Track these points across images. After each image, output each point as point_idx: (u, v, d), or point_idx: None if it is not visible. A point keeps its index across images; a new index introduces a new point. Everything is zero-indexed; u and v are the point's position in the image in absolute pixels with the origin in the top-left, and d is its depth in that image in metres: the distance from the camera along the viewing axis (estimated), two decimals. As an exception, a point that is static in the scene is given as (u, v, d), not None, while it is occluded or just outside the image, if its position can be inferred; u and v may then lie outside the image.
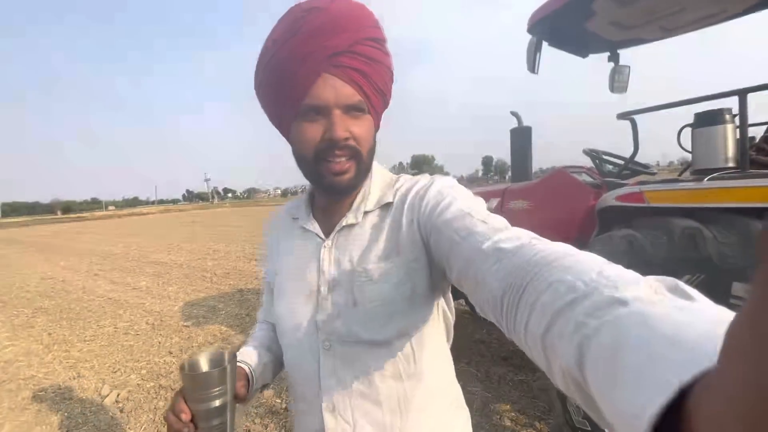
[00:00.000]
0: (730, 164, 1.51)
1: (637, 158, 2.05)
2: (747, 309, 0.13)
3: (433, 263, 0.61)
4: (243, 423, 2.42)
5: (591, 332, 0.25)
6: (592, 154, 2.41)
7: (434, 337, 0.67)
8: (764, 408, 0.11)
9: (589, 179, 2.40)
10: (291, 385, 0.72)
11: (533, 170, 2.92)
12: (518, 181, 2.76)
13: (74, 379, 3.22)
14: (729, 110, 1.52)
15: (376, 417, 0.62)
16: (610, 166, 2.38)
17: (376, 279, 0.61)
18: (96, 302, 5.58)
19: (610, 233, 1.60)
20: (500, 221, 0.50)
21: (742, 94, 1.37)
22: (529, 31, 2.30)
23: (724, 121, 1.51)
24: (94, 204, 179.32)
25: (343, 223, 0.66)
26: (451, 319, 0.72)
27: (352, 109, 0.59)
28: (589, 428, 1.68)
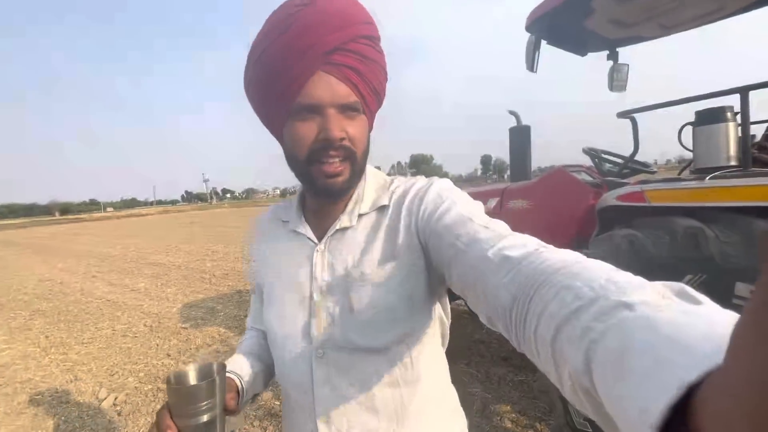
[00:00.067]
0: (732, 163, 1.50)
1: (636, 157, 2.04)
2: (751, 309, 0.13)
3: (431, 267, 0.59)
4: (242, 425, 2.40)
5: (598, 336, 0.25)
6: (591, 153, 2.39)
7: (431, 342, 0.65)
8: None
9: (588, 178, 2.38)
10: (283, 393, 0.70)
11: (532, 169, 2.90)
12: (517, 181, 2.75)
13: (71, 382, 3.20)
14: (730, 108, 1.51)
15: (373, 425, 0.60)
16: (610, 165, 2.37)
17: (374, 284, 0.59)
18: (94, 304, 5.55)
19: (611, 233, 1.58)
20: (502, 226, 0.49)
21: (743, 91, 1.36)
22: (528, 29, 2.29)
23: (725, 119, 1.50)
24: (93, 205, 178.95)
25: (337, 227, 0.64)
26: (447, 322, 0.70)
27: (347, 109, 0.57)
28: (590, 430, 1.66)
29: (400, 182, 0.66)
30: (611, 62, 2.67)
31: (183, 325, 4.30)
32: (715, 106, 1.53)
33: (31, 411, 2.80)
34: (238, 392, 0.64)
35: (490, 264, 0.42)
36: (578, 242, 2.05)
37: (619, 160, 2.27)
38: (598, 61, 2.70)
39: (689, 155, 1.80)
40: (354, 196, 0.66)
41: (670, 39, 2.50)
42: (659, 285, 0.27)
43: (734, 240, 1.26)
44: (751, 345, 0.12)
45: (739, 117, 1.45)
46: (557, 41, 2.47)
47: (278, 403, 2.61)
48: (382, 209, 0.64)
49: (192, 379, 0.58)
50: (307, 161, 0.58)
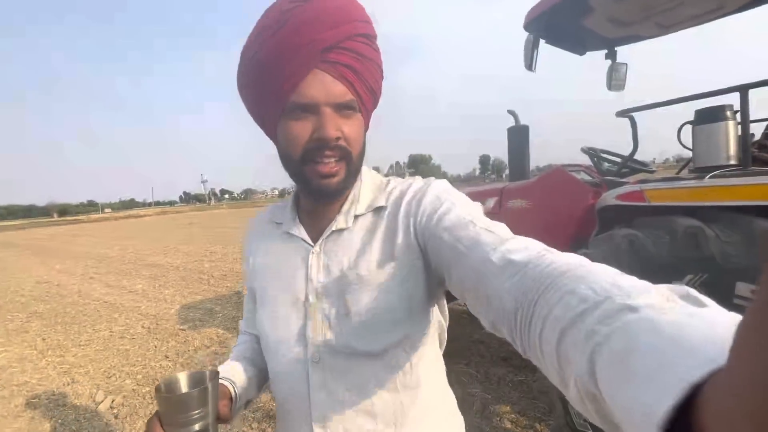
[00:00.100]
0: (732, 162, 1.49)
1: (635, 156, 2.03)
2: (754, 309, 0.13)
3: (429, 269, 0.58)
4: (240, 427, 2.38)
5: (602, 339, 0.25)
6: (590, 152, 2.38)
7: (429, 345, 0.64)
8: None
9: (587, 178, 2.37)
10: (277, 398, 0.68)
11: (530, 169, 2.89)
12: (516, 180, 2.74)
13: (68, 384, 3.18)
14: (730, 107, 1.50)
15: (371, 430, 0.59)
16: (609, 165, 2.36)
17: (372, 286, 0.58)
18: (91, 306, 5.52)
19: (610, 232, 1.57)
20: (503, 229, 0.48)
21: (743, 90, 1.35)
22: (526, 28, 2.28)
23: (725, 118, 1.49)
24: (91, 206, 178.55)
25: (333, 228, 0.63)
26: (445, 324, 0.69)
27: (343, 108, 0.56)
28: (590, 431, 1.65)
29: (397, 183, 0.65)
30: (609, 61, 2.66)
31: (181, 327, 4.28)
32: (715, 104, 1.52)
33: (28, 414, 2.78)
34: (231, 399, 0.63)
35: (493, 267, 0.41)
36: (577, 242, 2.04)
37: (618, 160, 2.26)
38: (596, 61, 2.69)
39: (687, 154, 1.79)
40: (350, 197, 0.64)
41: (669, 38, 2.49)
42: (664, 288, 0.27)
43: (735, 239, 1.25)
44: (754, 345, 0.12)
45: (738, 116, 1.44)
46: (555, 40, 2.46)
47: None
48: (378, 210, 0.63)
49: (183, 387, 0.57)
50: (301, 161, 0.57)
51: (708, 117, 1.52)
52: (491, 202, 2.64)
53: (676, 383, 0.18)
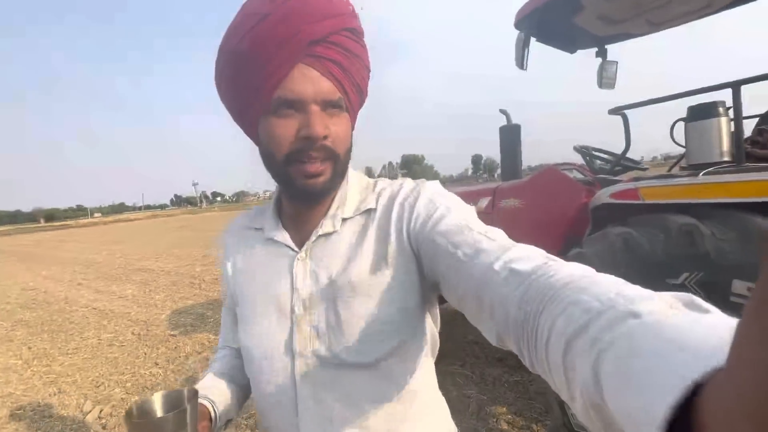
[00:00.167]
0: (725, 158, 1.49)
1: (617, 152, 2.02)
2: (752, 306, 0.13)
3: (422, 275, 0.56)
4: (232, 435, 2.33)
5: (606, 346, 0.25)
6: (582, 150, 2.38)
7: (422, 354, 0.61)
8: None
9: (580, 176, 2.37)
10: (262, 415, 0.64)
11: (522, 168, 2.89)
12: (508, 179, 2.73)
13: (55, 395, 3.09)
14: (722, 103, 1.50)
15: None
16: (601, 163, 2.36)
17: (365, 293, 0.55)
18: (79, 313, 5.40)
19: (604, 231, 1.56)
20: (502, 235, 0.47)
21: (735, 86, 1.35)
22: (517, 26, 2.27)
23: (717, 114, 1.48)
24: (79, 211, 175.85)
25: (319, 232, 0.60)
26: (436, 331, 0.66)
27: (330, 106, 0.53)
28: None
29: (385, 184, 0.62)
30: (600, 59, 2.66)
31: (172, 333, 4.20)
32: (707, 101, 1.52)
33: (12, 426, 2.70)
34: (210, 420, 0.59)
35: (496, 277, 0.40)
36: (571, 241, 2.03)
37: (611, 158, 2.25)
38: (587, 59, 2.69)
39: (676, 153, 1.79)
40: (336, 200, 0.61)
41: (658, 36, 2.50)
42: (668, 295, 0.27)
43: (730, 237, 1.24)
44: (753, 343, 0.12)
45: (731, 112, 1.43)
46: (546, 38, 2.45)
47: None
48: (367, 213, 0.60)
49: (159, 410, 0.52)
50: (285, 161, 0.53)
51: (700, 114, 1.52)
52: (484, 202, 2.63)
53: (677, 382, 0.18)
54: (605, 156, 2.34)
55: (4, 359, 3.95)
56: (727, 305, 1.26)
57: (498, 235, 0.47)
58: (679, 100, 1.59)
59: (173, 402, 0.53)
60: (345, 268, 0.57)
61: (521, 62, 2.22)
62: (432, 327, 0.65)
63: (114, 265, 9.61)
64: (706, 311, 0.24)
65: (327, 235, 0.60)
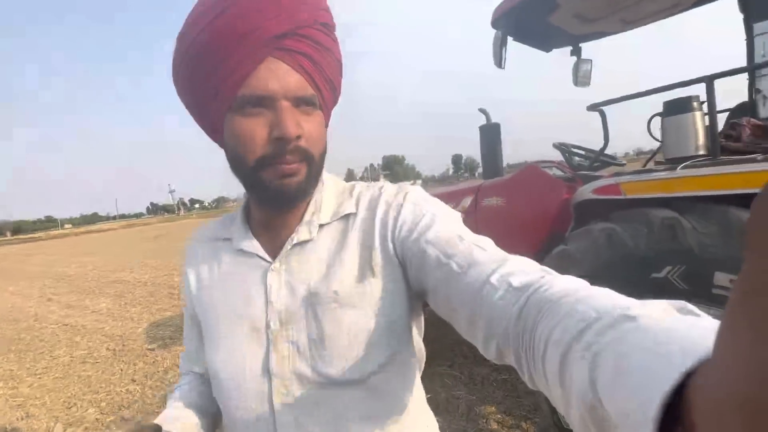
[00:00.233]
0: (701, 152, 1.51)
1: (594, 149, 2.05)
2: (737, 298, 0.13)
3: (408, 285, 0.52)
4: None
5: (601, 349, 0.25)
6: (562, 147, 2.40)
7: (410, 368, 0.58)
8: (760, 393, 0.11)
9: (560, 173, 2.39)
10: None
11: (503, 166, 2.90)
12: (490, 178, 2.74)
13: (22, 419, 2.91)
14: (696, 98, 1.53)
15: None
16: (580, 159, 2.38)
17: (350, 304, 0.51)
18: (49, 330, 5.14)
19: (588, 227, 1.57)
20: (491, 244, 0.47)
21: (708, 80, 1.37)
22: (494, 25, 2.28)
23: (692, 109, 1.51)
24: (49, 223, 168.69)
25: (294, 240, 0.55)
26: (422, 342, 0.63)
27: (302, 103, 0.49)
28: (578, 429, 1.63)
29: (363, 188, 0.59)
30: (575, 58, 2.70)
31: (149, 347, 4.03)
32: (682, 96, 1.55)
33: (-25, 456, 2.52)
34: None
35: (494, 291, 0.39)
36: (554, 237, 2.04)
37: (590, 154, 2.28)
38: (563, 57, 2.73)
39: (648, 149, 1.81)
40: (312, 204, 0.57)
41: (632, 34, 2.55)
42: (662, 302, 0.27)
43: (710, 229, 1.26)
44: (738, 334, 0.12)
45: (705, 106, 1.46)
46: (522, 37, 2.47)
47: None
48: (346, 218, 0.56)
49: None
50: (257, 165, 0.49)
51: (676, 108, 1.54)
52: (467, 201, 2.62)
53: (669, 374, 0.18)
54: (584, 153, 2.37)
55: (-34, 384, 3.71)
56: (709, 297, 1.27)
57: (488, 244, 0.46)
58: (654, 96, 1.61)
59: None
60: (326, 278, 0.53)
61: (499, 61, 2.22)
62: (418, 339, 0.61)
63: (86, 277, 9.22)
64: (699, 316, 0.25)
65: (303, 243, 0.55)
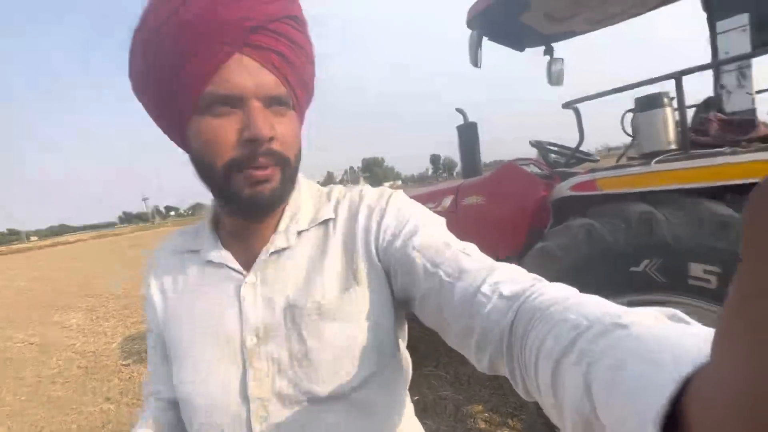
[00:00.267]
0: (672, 146, 1.56)
1: (568, 145, 2.09)
2: (735, 300, 0.13)
3: (393, 293, 0.51)
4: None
5: (595, 357, 0.25)
6: (538, 145, 2.44)
7: (397, 381, 0.55)
8: (759, 396, 0.11)
9: (537, 170, 2.42)
10: None
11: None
12: (469, 177, 2.76)
13: (-15, 447, 2.74)
14: (666, 94, 1.57)
15: None
16: (556, 156, 2.42)
17: (334, 316, 0.48)
18: (14, 350, 4.86)
19: (567, 223, 1.58)
20: (477, 251, 0.46)
21: (678, 77, 1.41)
22: (469, 25, 2.30)
23: (662, 105, 1.55)
24: (12, 236, 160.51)
25: (271, 249, 0.52)
26: (406, 350, 0.61)
27: (274, 102, 0.46)
28: (564, 424, 1.65)
29: (341, 192, 0.56)
30: (548, 57, 2.76)
31: (124, 362, 3.87)
32: (653, 92, 1.59)
33: (-68, 491, 2.34)
34: None
35: (486, 301, 0.39)
36: (534, 235, 2.06)
37: (566, 151, 2.32)
38: (537, 57, 2.77)
39: (615, 145, 1.87)
40: (288, 210, 0.54)
41: (603, 34, 2.62)
42: (653, 310, 0.28)
43: (684, 222, 1.29)
44: (736, 337, 0.12)
45: (675, 102, 1.50)
46: (497, 37, 2.50)
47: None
48: (325, 224, 0.53)
49: None
50: (227, 170, 0.45)
51: (648, 104, 1.58)
52: (448, 201, 2.63)
53: (669, 379, 0.18)
54: (560, 150, 2.41)
55: None
56: (685, 288, 1.31)
57: (474, 250, 0.46)
58: (625, 94, 1.65)
59: None
60: (307, 289, 0.49)
61: (475, 60, 2.24)
62: (404, 349, 0.59)
63: (55, 292, 8.79)
64: (689, 323, 0.25)
65: (280, 252, 0.52)
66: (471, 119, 2.84)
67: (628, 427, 0.20)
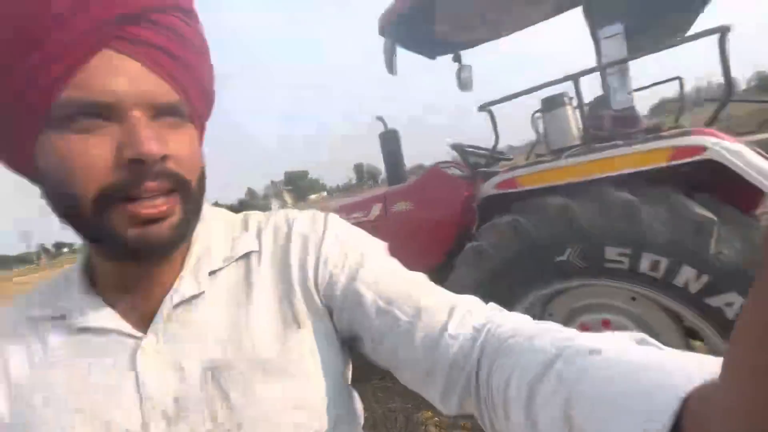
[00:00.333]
0: (577, 142, 1.71)
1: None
2: (748, 329, 0.14)
3: (337, 332, 0.44)
4: None
5: (574, 381, 0.25)
6: (457, 147, 2.54)
7: (352, 430, 0.48)
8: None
9: (459, 172, 2.52)
10: None
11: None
12: (395, 184, 2.79)
13: None
14: (566, 94, 1.72)
15: None
16: (475, 158, 2.55)
17: (274, 371, 0.39)
18: None
19: (494, 221, 1.65)
20: (426, 279, 0.44)
21: (575, 78, 1.55)
22: (381, 33, 2.32)
23: (564, 104, 1.70)
24: None
25: (175, 299, 0.40)
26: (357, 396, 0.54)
27: (164, 113, 0.36)
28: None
29: (262, 218, 0.48)
30: (457, 64, 2.90)
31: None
32: (556, 93, 1.73)
33: None
34: None
35: (453, 343, 0.37)
36: (462, 236, 2.12)
37: (483, 152, 2.45)
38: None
39: (517, 144, 2.02)
40: (195, 247, 0.43)
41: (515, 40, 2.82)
42: (620, 334, 0.28)
43: (596, 210, 1.41)
44: (754, 361, 0.13)
45: (574, 101, 1.66)
46: (409, 45, 2.56)
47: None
48: (246, 259, 0.44)
49: None
50: (99, 201, 0.33)
51: (553, 104, 1.72)
52: (377, 209, 2.61)
53: (672, 395, 0.19)
54: (477, 151, 2.53)
55: None
56: (602, 271, 1.43)
57: (425, 281, 0.44)
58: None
59: None
60: (232, 342, 0.40)
61: (391, 67, 2.27)
62: (355, 392, 0.52)
63: None
64: (659, 346, 0.26)
65: (188, 301, 0.41)
66: (392, 126, 2.88)
67: None
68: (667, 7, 1.93)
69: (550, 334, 0.31)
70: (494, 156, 2.34)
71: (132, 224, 0.35)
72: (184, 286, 0.41)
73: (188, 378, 0.38)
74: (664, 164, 1.35)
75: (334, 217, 0.48)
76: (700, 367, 0.20)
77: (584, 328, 1.62)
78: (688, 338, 1.53)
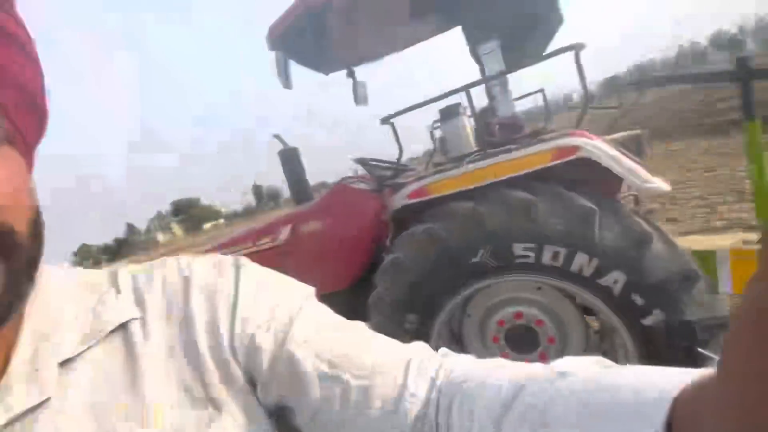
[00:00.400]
0: (475, 148, 1.81)
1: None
2: (742, 339, 0.13)
3: (263, 406, 0.36)
4: None
5: (546, 405, 0.25)
6: (361, 161, 2.52)
7: None
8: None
9: (365, 186, 2.51)
10: None
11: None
12: (301, 203, 2.65)
13: None
14: (460, 104, 1.83)
15: None
16: (380, 171, 2.56)
17: None
18: None
19: (409, 231, 1.65)
20: (365, 329, 0.40)
21: (466, 89, 1.65)
22: (270, 47, 2.20)
23: (459, 114, 1.79)
24: None
25: (16, 409, 0.27)
26: None
27: None
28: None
29: (139, 272, 0.36)
30: (351, 79, 2.92)
31: None
32: (451, 104, 1.83)
33: None
34: None
35: (415, 401, 0.33)
36: (376, 250, 2.10)
37: (387, 164, 2.47)
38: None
39: (413, 155, 2.12)
40: (28, 329, 0.30)
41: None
42: (583, 358, 0.28)
43: (500, 210, 1.50)
44: (738, 369, 0.14)
45: (468, 110, 1.76)
46: (301, 59, 2.48)
47: None
48: (123, 332, 0.32)
49: None
50: None
51: (450, 115, 1.81)
52: (286, 231, 2.44)
53: (658, 401, 0.19)
54: (381, 164, 2.55)
55: None
56: (513, 267, 1.51)
57: (366, 331, 0.39)
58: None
59: None
60: None
61: (285, 81, 2.16)
62: None
63: None
64: (620, 367, 0.26)
65: (23, 415, 0.27)
66: (292, 144, 2.75)
67: None
68: (530, 26, 2.21)
69: (504, 370, 0.31)
70: (399, 168, 2.38)
71: None
72: (15, 393, 0.27)
73: None
74: (549, 164, 1.50)
75: (246, 263, 0.39)
76: (679, 374, 0.20)
77: (500, 324, 1.71)
78: (583, 314, 1.72)
